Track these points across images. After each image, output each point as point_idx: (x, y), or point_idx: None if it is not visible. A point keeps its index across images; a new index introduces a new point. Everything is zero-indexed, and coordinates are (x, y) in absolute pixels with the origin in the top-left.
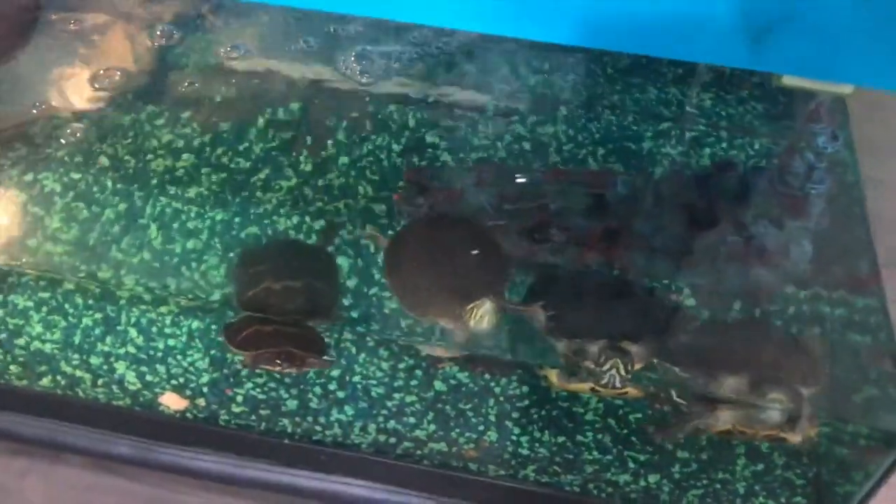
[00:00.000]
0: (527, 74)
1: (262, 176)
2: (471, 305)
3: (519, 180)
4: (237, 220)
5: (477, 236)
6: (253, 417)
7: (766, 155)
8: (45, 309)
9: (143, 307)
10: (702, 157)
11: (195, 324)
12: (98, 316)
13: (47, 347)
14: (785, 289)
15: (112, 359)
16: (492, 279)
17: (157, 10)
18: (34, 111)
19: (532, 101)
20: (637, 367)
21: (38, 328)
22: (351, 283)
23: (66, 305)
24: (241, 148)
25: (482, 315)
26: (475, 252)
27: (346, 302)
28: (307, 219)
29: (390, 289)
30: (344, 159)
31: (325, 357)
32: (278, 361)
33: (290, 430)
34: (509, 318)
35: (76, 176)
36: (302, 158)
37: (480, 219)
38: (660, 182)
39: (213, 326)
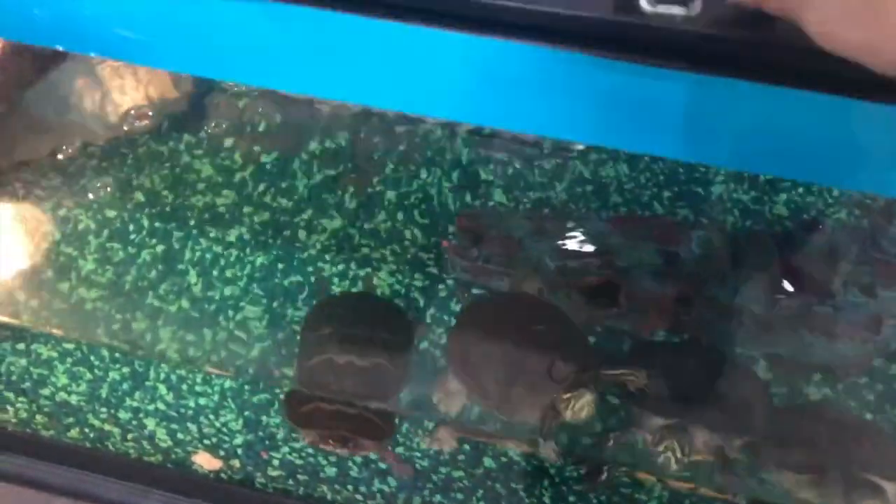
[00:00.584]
0: None
1: (305, 216)
2: (567, 395)
3: (581, 230)
4: (278, 265)
5: (547, 308)
6: (290, 482)
7: (857, 206)
8: (69, 360)
9: (174, 365)
10: (775, 202)
11: (228, 384)
12: (126, 370)
13: (73, 399)
14: (876, 367)
15: (141, 415)
16: (577, 359)
17: None
18: (67, 139)
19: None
20: (701, 455)
21: (64, 379)
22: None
23: (93, 358)
24: (283, 184)
25: (581, 407)
26: (547, 328)
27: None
28: (351, 266)
29: (460, 381)
30: (391, 197)
31: (390, 449)
32: (331, 442)
33: (329, 497)
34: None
35: (111, 213)
36: (347, 196)
37: (542, 276)
38: (737, 239)
39: (247, 387)
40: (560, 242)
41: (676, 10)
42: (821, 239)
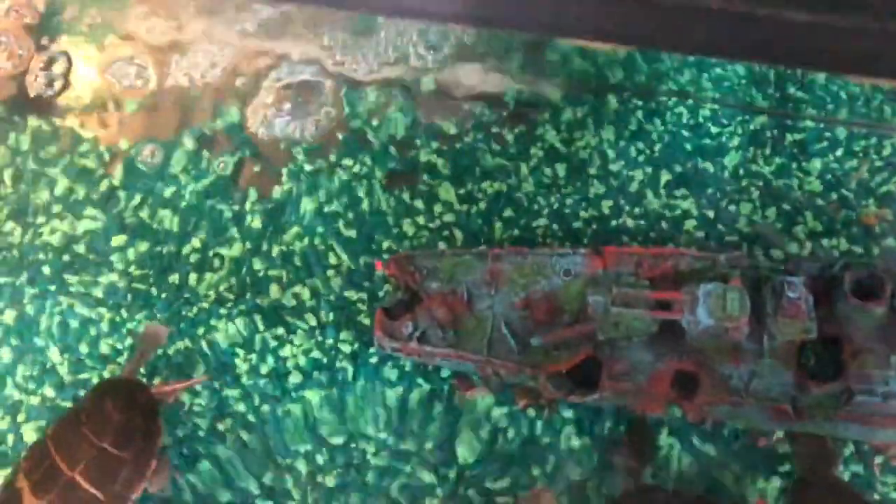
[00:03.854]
0: None
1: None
2: None
3: (550, 273)
4: None
5: None
6: None
7: None
8: None
9: None
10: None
11: None
12: None
13: None
14: None
15: None
16: None
17: None
18: None
19: None
20: None
21: None
22: None
23: None
24: None
25: None
26: None
27: None
28: None
29: None
30: None
31: None
32: None
33: None
34: None
35: None
36: None
37: (500, 353)
38: (761, 303)
39: None
40: (523, 297)
41: None
42: (873, 313)
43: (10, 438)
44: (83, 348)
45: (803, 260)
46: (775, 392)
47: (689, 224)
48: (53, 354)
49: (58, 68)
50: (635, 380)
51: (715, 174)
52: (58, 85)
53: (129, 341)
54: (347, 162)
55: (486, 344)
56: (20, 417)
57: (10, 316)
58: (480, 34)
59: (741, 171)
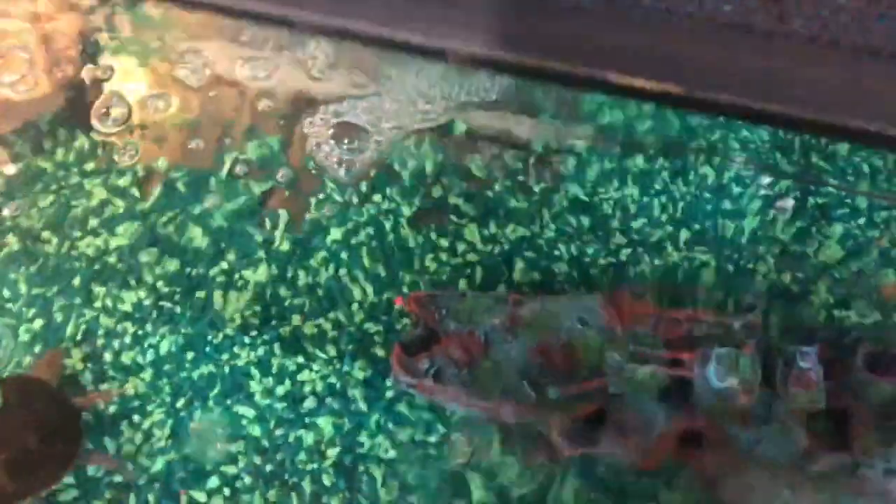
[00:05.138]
0: None
1: None
2: None
3: (565, 325)
4: None
5: None
6: None
7: None
8: None
9: None
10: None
11: None
12: None
13: None
14: None
15: None
16: None
17: None
18: None
19: None
20: None
21: None
22: None
23: None
24: None
25: None
26: None
27: None
28: None
29: None
30: None
31: None
32: None
33: None
34: None
35: None
36: None
37: (514, 396)
38: (771, 366)
39: None
40: (540, 343)
41: None
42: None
43: None
44: (107, 357)
45: (818, 329)
46: (782, 457)
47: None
48: (76, 362)
49: (106, 86)
50: (642, 435)
51: (734, 236)
52: (103, 102)
53: (150, 356)
54: (377, 197)
55: (499, 388)
56: None
57: (38, 324)
58: (515, 81)
59: (759, 234)
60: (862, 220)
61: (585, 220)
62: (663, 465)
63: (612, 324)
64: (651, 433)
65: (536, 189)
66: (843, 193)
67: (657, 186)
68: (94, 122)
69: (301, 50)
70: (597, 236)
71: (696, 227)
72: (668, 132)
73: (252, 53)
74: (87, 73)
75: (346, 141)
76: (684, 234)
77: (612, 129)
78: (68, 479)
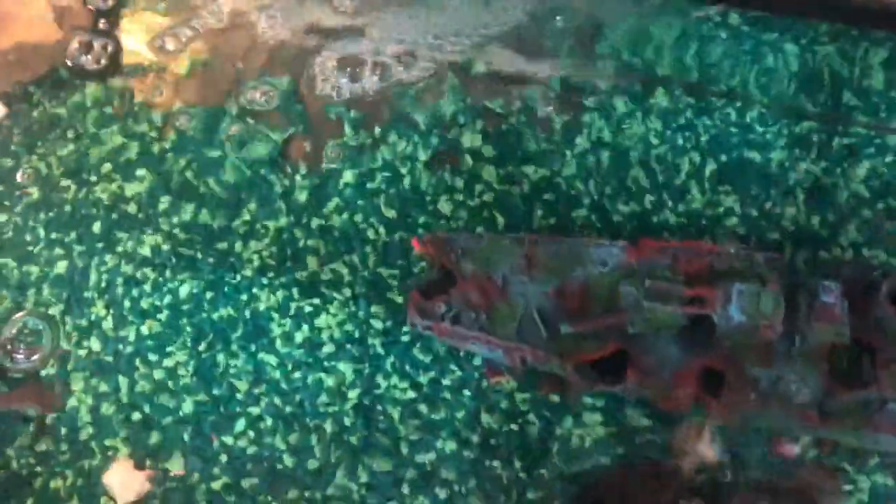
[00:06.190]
0: None
1: None
2: None
3: (587, 264)
4: None
5: None
6: None
7: None
8: None
9: None
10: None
11: None
12: None
13: None
14: None
15: None
16: None
17: None
18: None
19: None
20: None
21: None
22: None
23: None
24: None
25: None
26: None
27: None
28: None
29: None
30: None
31: None
32: None
33: None
34: None
35: None
36: None
37: (531, 341)
38: (795, 303)
39: None
40: (557, 285)
41: None
42: None
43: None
44: (126, 303)
45: (843, 265)
46: (803, 396)
47: (731, 221)
48: (99, 308)
49: (114, 34)
50: (661, 374)
51: (760, 171)
52: (112, 49)
53: (167, 299)
54: (393, 138)
55: (516, 330)
56: (69, 366)
57: (62, 266)
58: (534, 19)
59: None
60: (890, 158)
61: (605, 160)
62: (684, 406)
63: (630, 263)
64: (670, 372)
65: (557, 129)
66: (872, 133)
67: (681, 122)
68: (106, 69)
69: None
70: (618, 177)
71: (721, 166)
72: (688, 73)
73: None
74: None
75: (361, 80)
76: (709, 173)
77: (632, 66)
78: None
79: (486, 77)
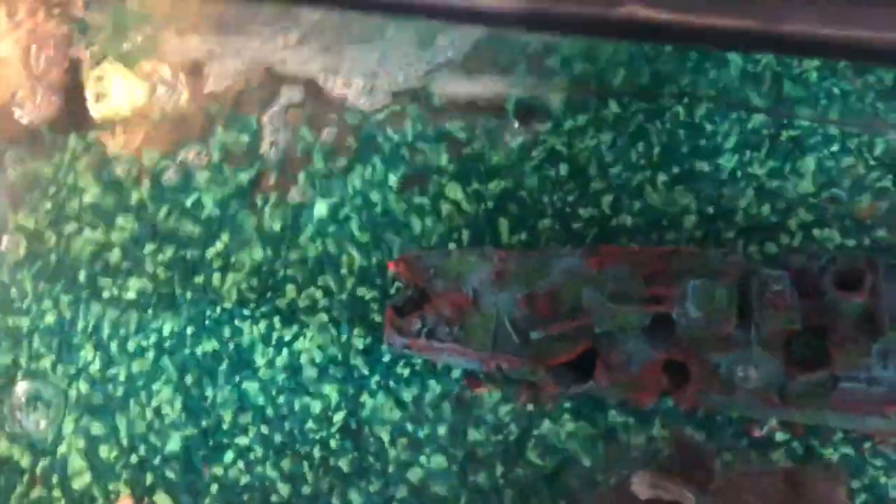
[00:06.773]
0: None
1: None
2: None
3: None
4: None
5: None
6: None
7: None
8: None
9: None
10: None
11: None
12: None
13: None
14: None
15: None
16: None
17: None
18: None
19: None
20: None
21: None
22: None
23: None
24: None
25: None
26: None
27: None
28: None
29: None
30: None
31: None
32: None
33: None
34: None
35: None
36: None
37: (504, 348)
38: (747, 292)
39: None
40: (524, 293)
41: None
42: (860, 302)
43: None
44: (113, 346)
45: (792, 254)
46: (762, 381)
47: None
48: (88, 353)
49: (94, 86)
50: (629, 370)
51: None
52: (93, 101)
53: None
54: (359, 167)
55: (490, 340)
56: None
57: (50, 318)
58: (489, 39)
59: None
60: (835, 148)
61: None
62: (655, 401)
63: (593, 269)
64: (637, 367)
65: (514, 147)
66: (815, 125)
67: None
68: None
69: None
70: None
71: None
72: (641, 77)
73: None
74: (72, 74)
75: (321, 116)
76: (662, 177)
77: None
78: None
79: (445, 101)
